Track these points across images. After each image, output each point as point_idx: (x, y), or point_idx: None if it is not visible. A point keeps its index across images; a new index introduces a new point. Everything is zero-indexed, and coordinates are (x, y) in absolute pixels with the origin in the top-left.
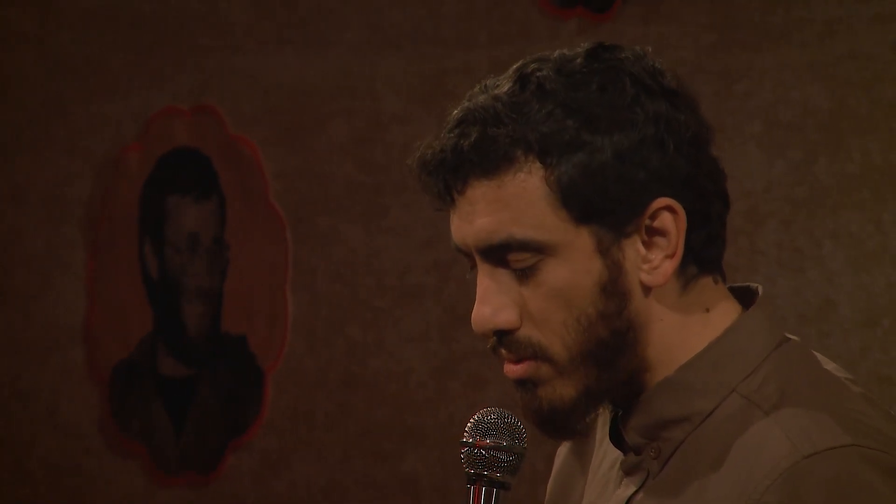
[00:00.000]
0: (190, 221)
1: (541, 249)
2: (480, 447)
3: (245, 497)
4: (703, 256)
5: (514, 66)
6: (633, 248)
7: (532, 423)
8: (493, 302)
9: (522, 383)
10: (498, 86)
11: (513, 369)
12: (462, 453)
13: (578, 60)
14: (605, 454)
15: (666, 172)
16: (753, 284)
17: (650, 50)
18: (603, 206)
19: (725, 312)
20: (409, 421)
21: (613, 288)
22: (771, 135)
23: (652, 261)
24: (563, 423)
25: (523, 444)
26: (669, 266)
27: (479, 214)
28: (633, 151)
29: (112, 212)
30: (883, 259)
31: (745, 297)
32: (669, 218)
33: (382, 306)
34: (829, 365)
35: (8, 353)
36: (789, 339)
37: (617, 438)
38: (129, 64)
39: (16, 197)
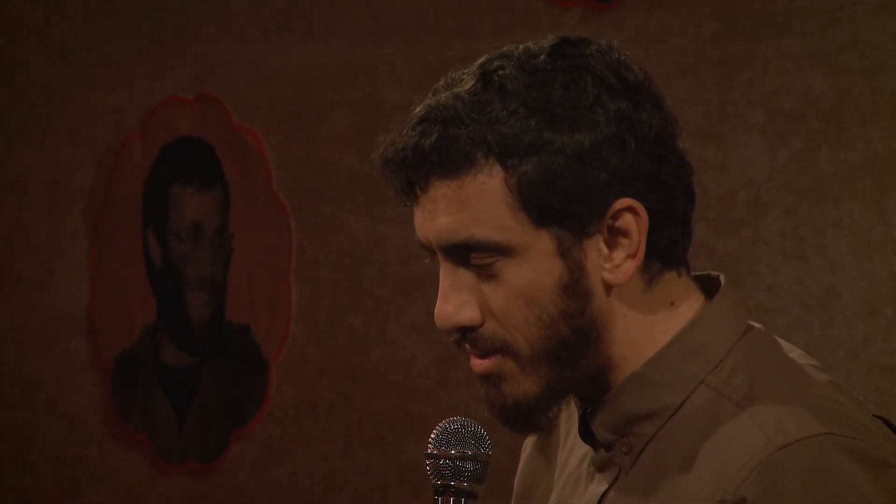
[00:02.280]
0: (193, 211)
1: (501, 250)
2: (445, 458)
3: (247, 486)
4: (667, 253)
5: (478, 62)
6: (595, 248)
7: (496, 418)
8: (456, 299)
9: (487, 378)
10: (461, 81)
11: (478, 363)
12: (427, 465)
13: (542, 57)
14: (573, 449)
15: (628, 173)
16: (714, 273)
17: (616, 43)
18: (563, 209)
19: (690, 305)
20: (411, 410)
21: (575, 287)
22: (773, 124)
23: (614, 260)
24: (526, 419)
25: (488, 452)
26: (631, 266)
27: (441, 213)
28: (594, 153)
29: (115, 201)
30: (886, 248)
31: (709, 286)
32: (631, 219)
33: (385, 295)
34: (795, 352)
35: (10, 343)
36: (753, 326)
37: (586, 434)
38: (131, 53)
39: (18, 186)
